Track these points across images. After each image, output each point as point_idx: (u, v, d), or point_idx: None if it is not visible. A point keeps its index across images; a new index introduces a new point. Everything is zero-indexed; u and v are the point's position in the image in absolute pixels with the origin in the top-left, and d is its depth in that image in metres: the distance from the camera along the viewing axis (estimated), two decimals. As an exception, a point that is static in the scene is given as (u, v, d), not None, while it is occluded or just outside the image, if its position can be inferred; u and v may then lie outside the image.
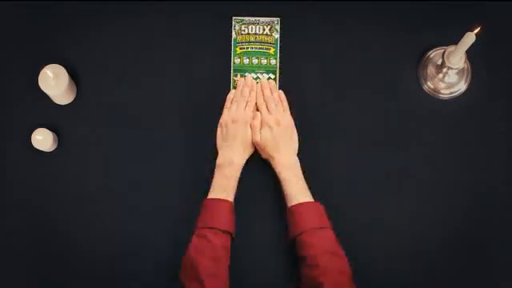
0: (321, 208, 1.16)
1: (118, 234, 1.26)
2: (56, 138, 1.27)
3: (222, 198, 1.16)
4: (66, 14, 1.31)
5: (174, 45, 1.31)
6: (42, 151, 1.26)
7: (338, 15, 1.32)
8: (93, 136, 1.28)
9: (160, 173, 1.27)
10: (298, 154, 1.24)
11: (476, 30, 1.14)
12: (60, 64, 1.24)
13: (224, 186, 1.18)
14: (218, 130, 1.25)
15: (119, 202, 1.26)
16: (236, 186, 1.19)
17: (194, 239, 1.12)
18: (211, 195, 1.18)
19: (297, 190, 1.17)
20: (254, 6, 1.30)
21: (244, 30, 1.29)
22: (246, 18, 1.30)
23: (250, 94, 1.26)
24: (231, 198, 1.18)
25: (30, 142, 1.24)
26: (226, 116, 1.24)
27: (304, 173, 1.22)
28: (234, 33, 1.29)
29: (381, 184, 1.27)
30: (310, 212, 1.15)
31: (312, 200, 1.17)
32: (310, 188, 1.20)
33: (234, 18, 1.30)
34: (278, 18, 1.30)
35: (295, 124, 1.26)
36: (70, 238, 1.25)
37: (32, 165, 1.27)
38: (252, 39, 1.30)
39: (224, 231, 1.13)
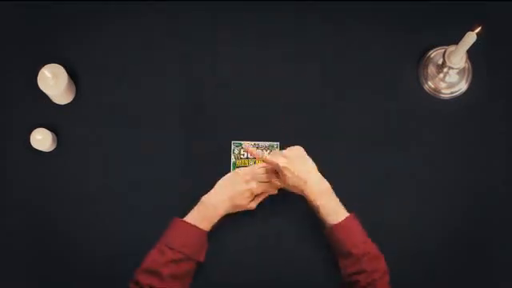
0: (357, 219, 1.12)
1: (118, 234, 1.25)
2: (55, 137, 1.27)
3: (195, 225, 1.13)
4: (66, 14, 1.31)
5: (174, 45, 1.31)
6: (41, 151, 1.26)
7: (338, 15, 1.32)
8: (92, 136, 1.28)
9: (160, 173, 1.27)
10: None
11: (477, 30, 1.14)
12: (60, 64, 1.24)
13: (199, 222, 1.13)
14: (233, 173, 1.19)
15: (119, 202, 1.26)
16: (210, 228, 1.15)
17: (155, 253, 1.10)
18: (186, 219, 1.14)
19: (333, 209, 1.12)
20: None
21: (243, 154, 1.26)
22: (246, 142, 1.27)
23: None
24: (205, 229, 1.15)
25: (30, 142, 1.24)
26: (247, 170, 1.18)
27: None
28: (233, 157, 1.26)
29: (381, 184, 1.27)
30: (353, 228, 1.11)
31: (347, 214, 1.12)
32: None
33: (233, 141, 1.26)
34: (278, 142, 1.27)
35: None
36: (70, 237, 1.25)
37: (31, 165, 1.27)
38: (251, 163, 1.26)
39: (190, 258, 1.10)
